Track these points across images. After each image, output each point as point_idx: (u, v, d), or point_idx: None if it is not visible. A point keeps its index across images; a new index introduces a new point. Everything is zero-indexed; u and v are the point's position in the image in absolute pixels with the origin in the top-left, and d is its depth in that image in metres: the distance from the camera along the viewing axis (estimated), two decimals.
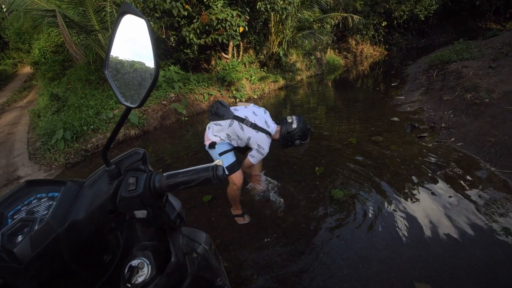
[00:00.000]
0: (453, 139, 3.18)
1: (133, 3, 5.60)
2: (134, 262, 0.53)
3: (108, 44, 0.47)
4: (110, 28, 5.51)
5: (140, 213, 0.51)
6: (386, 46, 14.21)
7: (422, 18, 12.74)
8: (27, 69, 11.51)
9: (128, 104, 0.47)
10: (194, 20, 5.85)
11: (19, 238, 0.43)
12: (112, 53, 0.47)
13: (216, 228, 2.17)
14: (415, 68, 7.93)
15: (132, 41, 0.46)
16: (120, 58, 0.47)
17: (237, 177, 1.96)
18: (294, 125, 1.85)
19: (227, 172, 1.91)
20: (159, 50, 5.95)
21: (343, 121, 4.53)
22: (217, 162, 0.55)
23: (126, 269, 0.53)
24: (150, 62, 0.46)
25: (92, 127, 4.61)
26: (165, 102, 5.66)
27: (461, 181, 2.41)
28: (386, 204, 2.24)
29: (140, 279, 0.52)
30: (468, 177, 2.46)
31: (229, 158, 1.93)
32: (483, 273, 1.56)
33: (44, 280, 0.45)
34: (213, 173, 0.52)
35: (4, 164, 4.06)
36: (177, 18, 5.80)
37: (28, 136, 5.15)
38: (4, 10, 5.59)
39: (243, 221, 2.19)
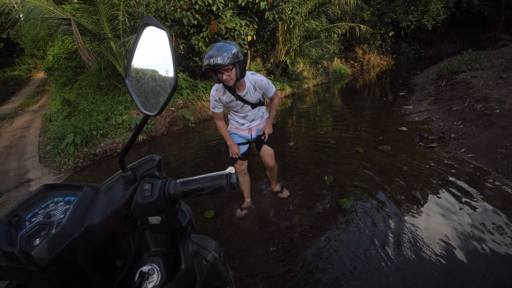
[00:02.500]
0: (463, 150, 3.12)
1: (144, 12, 5.77)
2: (145, 268, 0.54)
3: (130, 54, 0.48)
4: (122, 36, 5.67)
5: (154, 219, 0.52)
6: (394, 56, 14.20)
7: (430, 28, 12.73)
8: (41, 75, 11.88)
9: (147, 112, 0.48)
10: (204, 29, 5.98)
11: (37, 241, 0.44)
12: (133, 63, 0.48)
13: (222, 235, 2.15)
14: (423, 77, 7.88)
15: (152, 52, 0.48)
16: (140, 68, 0.49)
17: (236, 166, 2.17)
18: None
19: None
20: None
21: (350, 130, 4.50)
22: (230, 170, 0.55)
23: (137, 275, 0.53)
24: (169, 72, 0.47)
25: (101, 132, 4.69)
26: (173, 109, 5.74)
27: (472, 193, 2.35)
28: (394, 214, 2.20)
29: (150, 285, 0.52)
30: (479, 189, 2.40)
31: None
32: None
33: (58, 283, 0.45)
34: (227, 181, 0.52)
35: (16, 166, 4.15)
36: (187, 27, 5.94)
37: (39, 140, 5.27)
38: (22, 19, 5.79)
39: (240, 213, 2.37)
